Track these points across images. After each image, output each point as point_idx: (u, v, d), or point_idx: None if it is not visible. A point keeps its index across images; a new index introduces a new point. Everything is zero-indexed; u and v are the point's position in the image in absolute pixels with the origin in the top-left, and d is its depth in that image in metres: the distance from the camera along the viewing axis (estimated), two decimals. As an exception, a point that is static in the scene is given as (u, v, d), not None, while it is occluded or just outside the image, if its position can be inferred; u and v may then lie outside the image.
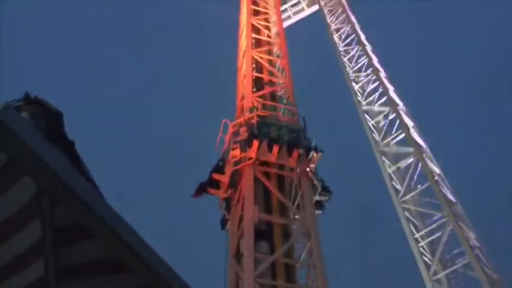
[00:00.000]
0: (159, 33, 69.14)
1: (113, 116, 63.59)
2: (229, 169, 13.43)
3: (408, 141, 20.96)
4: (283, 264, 12.60)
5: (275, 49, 20.77)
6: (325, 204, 14.41)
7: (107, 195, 3.79)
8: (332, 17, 28.86)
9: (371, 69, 24.22)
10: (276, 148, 13.21)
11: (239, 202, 13.17)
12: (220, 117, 14.82)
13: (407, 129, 21.27)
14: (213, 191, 13.87)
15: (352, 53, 25.85)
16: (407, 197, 20.14)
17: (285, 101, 16.93)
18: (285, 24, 27.77)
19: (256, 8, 22.30)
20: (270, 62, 19.95)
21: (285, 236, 13.18)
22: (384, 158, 21.53)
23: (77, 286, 4.00)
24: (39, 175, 3.16)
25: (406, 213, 19.99)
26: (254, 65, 19.14)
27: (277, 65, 20.03)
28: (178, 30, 69.82)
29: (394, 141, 21.48)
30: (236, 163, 13.30)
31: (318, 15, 31.17)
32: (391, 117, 22.06)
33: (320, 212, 14.31)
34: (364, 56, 24.95)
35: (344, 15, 27.81)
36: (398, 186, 20.63)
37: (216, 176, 13.65)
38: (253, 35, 20.44)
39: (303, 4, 31.69)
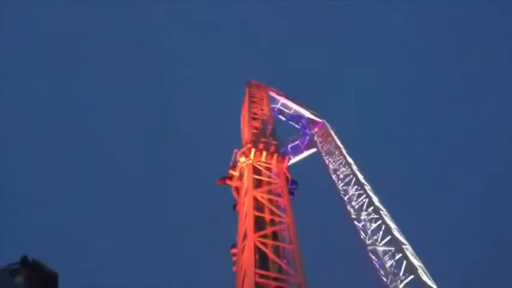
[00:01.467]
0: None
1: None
2: (238, 166, 22.04)
3: (418, 283, 19.92)
4: None
5: (276, 189, 21.24)
6: (294, 192, 22.00)
7: None
8: (330, 159, 30.21)
9: (372, 208, 24.36)
10: (264, 152, 22.16)
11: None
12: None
13: (416, 269, 20.40)
14: (229, 182, 22.15)
15: (351, 193, 26.34)
16: None
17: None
18: (285, 164, 28.90)
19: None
20: (271, 201, 20.20)
21: None
22: (394, 302, 20.20)
23: None
24: None
25: None
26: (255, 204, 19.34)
27: (279, 205, 20.23)
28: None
29: (403, 284, 20.43)
30: (242, 163, 21.97)
31: (317, 156, 32.73)
32: (397, 257, 21.37)
33: (292, 197, 21.43)
34: (364, 195, 25.33)
35: (341, 157, 29.14)
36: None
37: (231, 171, 22.13)
38: (255, 176, 21.10)
39: (302, 146, 33.51)
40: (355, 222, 24.93)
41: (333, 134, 32.24)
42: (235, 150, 22.98)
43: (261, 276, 15.07)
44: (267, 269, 15.82)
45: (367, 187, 25.91)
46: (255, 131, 25.53)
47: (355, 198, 25.93)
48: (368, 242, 23.36)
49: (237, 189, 21.90)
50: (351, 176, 27.19)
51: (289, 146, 33.23)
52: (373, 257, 22.27)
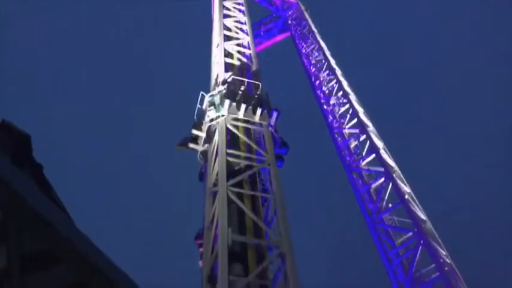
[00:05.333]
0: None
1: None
2: (205, 125, 16.40)
3: (379, 161, 21.54)
4: (257, 286, 12.59)
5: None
6: (284, 157, 16.96)
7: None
8: (303, 43, 29.74)
9: (341, 92, 24.96)
10: (243, 106, 16.21)
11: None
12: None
13: (378, 150, 21.88)
14: (193, 145, 16.71)
15: (322, 77, 26.62)
16: (379, 216, 20.57)
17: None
18: (258, 48, 28.42)
19: (229, 33, 22.66)
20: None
21: (259, 256, 13.26)
22: (355, 178, 22.00)
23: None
24: (5, 201, 3.18)
25: (379, 233, 20.35)
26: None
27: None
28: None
29: (365, 161, 22.03)
30: (211, 120, 16.36)
31: (290, 40, 32.12)
32: (361, 138, 22.68)
33: (281, 164, 16.60)
34: (335, 80, 25.72)
35: (314, 41, 28.72)
36: (370, 206, 21.04)
37: (195, 132, 16.58)
38: (226, 60, 20.76)
39: (275, 30, 32.58)
40: (324, 106, 25.71)
41: (307, 17, 31.25)
42: (201, 93, 17.20)
43: (232, 155, 15.78)
44: (238, 150, 16.45)
45: (338, 72, 26.18)
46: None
47: (325, 83, 26.34)
48: (335, 125, 24.45)
49: (205, 153, 16.49)
50: (323, 61, 27.21)
51: (263, 29, 32.24)
52: (339, 139, 23.54)
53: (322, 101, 25.69)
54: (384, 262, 19.99)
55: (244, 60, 21.09)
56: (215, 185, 14.59)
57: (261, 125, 16.51)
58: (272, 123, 16.68)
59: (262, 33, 31.74)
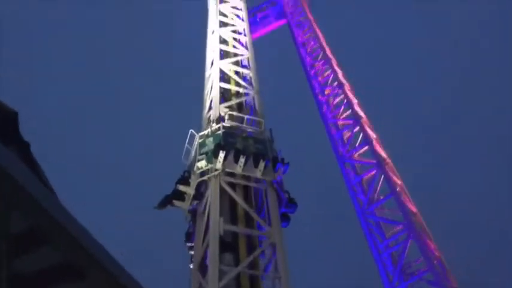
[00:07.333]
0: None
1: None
2: (194, 180, 13.73)
3: (371, 153, 21.52)
4: (248, 276, 12.47)
5: (243, 60, 20.85)
6: (290, 216, 14.42)
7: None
8: (299, 31, 29.44)
9: (336, 82, 24.80)
10: (242, 159, 13.51)
11: (204, 214, 13.37)
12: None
13: (371, 141, 21.84)
14: (178, 203, 13.96)
15: (318, 67, 26.42)
16: (370, 208, 20.60)
17: (252, 112, 17.44)
18: (253, 36, 28.04)
19: (225, 19, 22.29)
20: (238, 73, 20.00)
21: (250, 247, 13.06)
22: (348, 170, 21.97)
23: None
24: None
25: (369, 225, 20.40)
26: (221, 76, 19.12)
27: (245, 76, 20.10)
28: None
29: (358, 153, 22.00)
30: (202, 174, 13.72)
31: (286, 29, 31.78)
32: (355, 129, 22.61)
33: (286, 224, 14.29)
34: (330, 70, 25.53)
35: (311, 29, 28.43)
36: (361, 197, 21.06)
37: (181, 188, 13.84)
38: (221, 46, 20.46)
39: (271, 17, 32.19)
40: (319, 96, 25.56)
41: (304, 4, 30.89)
42: (190, 131, 14.75)
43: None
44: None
45: (334, 62, 25.99)
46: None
47: (320, 73, 26.14)
48: (329, 116, 24.34)
49: (194, 212, 14.01)
50: (319, 50, 26.97)
51: (259, 16, 31.79)
52: (333, 129, 23.46)
53: (316, 91, 25.53)
54: (373, 254, 20.07)
55: (239, 47, 20.77)
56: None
57: (263, 181, 13.87)
58: (279, 177, 13.90)
59: (258, 19, 31.29)
